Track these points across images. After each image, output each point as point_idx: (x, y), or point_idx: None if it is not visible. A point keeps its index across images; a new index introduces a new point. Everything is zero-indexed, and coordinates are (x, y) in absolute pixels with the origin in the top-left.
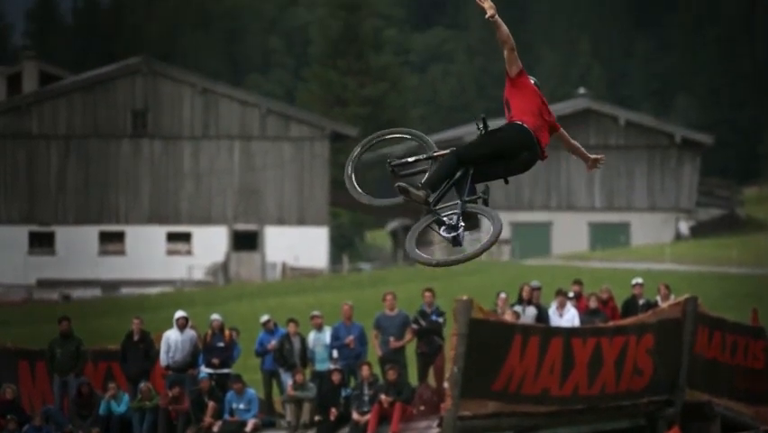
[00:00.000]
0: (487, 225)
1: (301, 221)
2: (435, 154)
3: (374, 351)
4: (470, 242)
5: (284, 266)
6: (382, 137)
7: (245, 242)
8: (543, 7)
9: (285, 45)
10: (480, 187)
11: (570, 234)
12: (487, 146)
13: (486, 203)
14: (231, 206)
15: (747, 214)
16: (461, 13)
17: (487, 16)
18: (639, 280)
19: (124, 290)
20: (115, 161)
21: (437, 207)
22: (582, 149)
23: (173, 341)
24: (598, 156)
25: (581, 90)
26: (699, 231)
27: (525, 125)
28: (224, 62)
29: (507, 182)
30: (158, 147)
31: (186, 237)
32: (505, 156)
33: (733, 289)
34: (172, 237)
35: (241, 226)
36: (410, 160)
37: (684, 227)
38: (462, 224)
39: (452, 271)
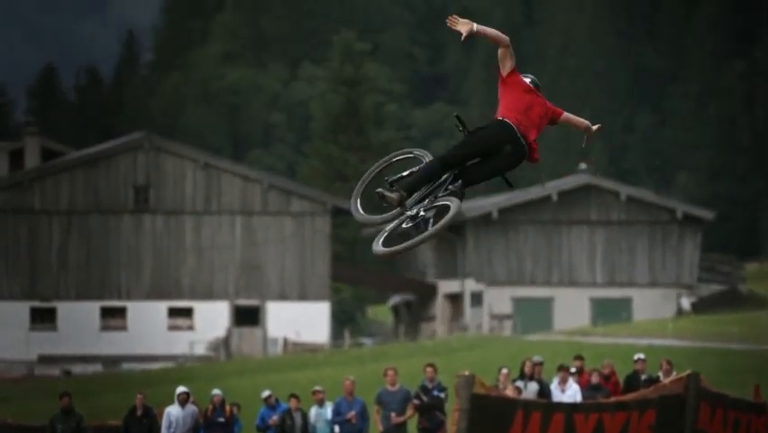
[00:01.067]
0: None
1: (302, 296)
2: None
3: (376, 426)
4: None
5: (285, 341)
6: (389, 161)
7: (247, 317)
8: (543, 81)
9: (286, 120)
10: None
11: (571, 309)
12: (469, 145)
13: (456, 195)
14: (232, 281)
15: (749, 289)
16: (462, 89)
17: (463, 39)
18: (641, 356)
19: (126, 366)
20: (117, 236)
21: (409, 208)
22: (581, 120)
23: (174, 416)
24: (596, 126)
25: (582, 165)
26: (700, 307)
27: (506, 120)
28: (226, 137)
29: (511, 186)
30: (159, 222)
31: (187, 312)
32: (489, 152)
33: (735, 365)
34: (174, 312)
35: (242, 301)
36: (405, 174)
37: (686, 303)
38: (424, 213)
39: (454, 346)
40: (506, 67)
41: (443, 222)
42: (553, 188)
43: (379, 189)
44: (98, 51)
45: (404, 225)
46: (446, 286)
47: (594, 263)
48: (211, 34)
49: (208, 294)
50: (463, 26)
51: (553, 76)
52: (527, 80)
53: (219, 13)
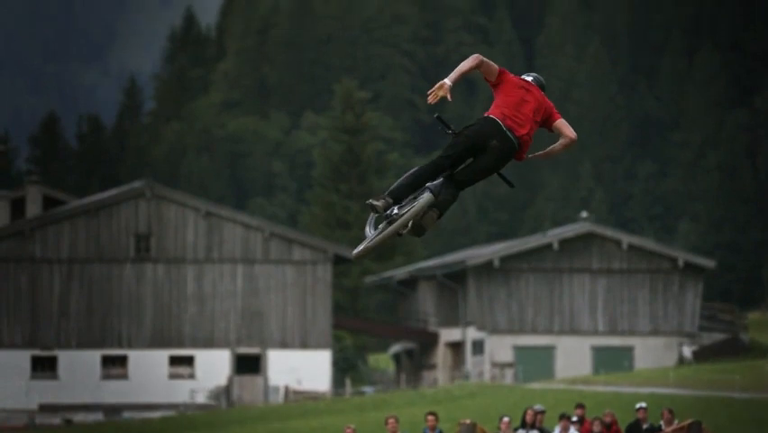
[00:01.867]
0: None
1: (304, 344)
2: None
3: None
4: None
5: (287, 389)
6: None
7: (248, 365)
8: (544, 132)
9: (288, 168)
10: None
11: (573, 357)
12: (456, 145)
13: (430, 190)
14: (233, 329)
15: (751, 338)
16: None
17: (449, 98)
18: (643, 405)
19: (127, 415)
20: (118, 284)
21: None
22: (570, 132)
23: None
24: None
25: (584, 214)
26: (702, 355)
27: (491, 116)
28: (228, 186)
29: (511, 185)
30: (161, 271)
31: (188, 361)
32: (476, 149)
33: (736, 413)
34: (175, 361)
35: (243, 349)
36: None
37: (687, 351)
38: (398, 212)
39: (456, 394)
40: (491, 74)
41: (409, 212)
42: (554, 236)
43: (369, 200)
44: (100, 100)
45: (380, 227)
46: (448, 334)
47: (596, 312)
48: (212, 83)
49: (209, 342)
50: (442, 90)
51: None
52: (529, 78)
53: (220, 61)
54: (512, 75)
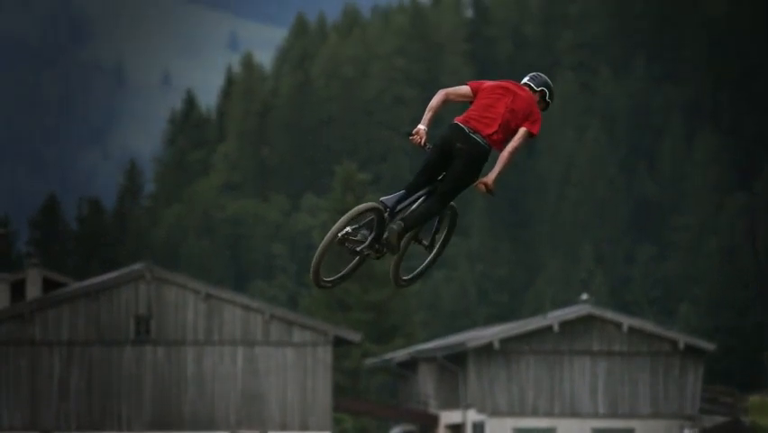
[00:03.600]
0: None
1: (304, 426)
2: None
3: None
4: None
5: None
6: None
7: None
8: (544, 212)
9: (288, 250)
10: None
11: None
12: (427, 157)
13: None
14: (234, 411)
15: (752, 421)
16: (463, 219)
17: (421, 140)
18: None
19: None
20: (118, 367)
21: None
22: (518, 144)
23: None
24: (488, 186)
25: (584, 296)
26: None
27: (454, 121)
28: (228, 268)
29: (491, 193)
30: (161, 353)
31: None
32: (445, 155)
33: None
34: None
35: (244, 431)
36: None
37: None
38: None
39: None
40: (466, 97)
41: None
42: (554, 318)
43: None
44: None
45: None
46: (448, 416)
47: (596, 394)
48: (213, 165)
49: (210, 424)
50: (417, 136)
51: (554, 206)
52: (525, 79)
53: (221, 143)
54: (490, 82)
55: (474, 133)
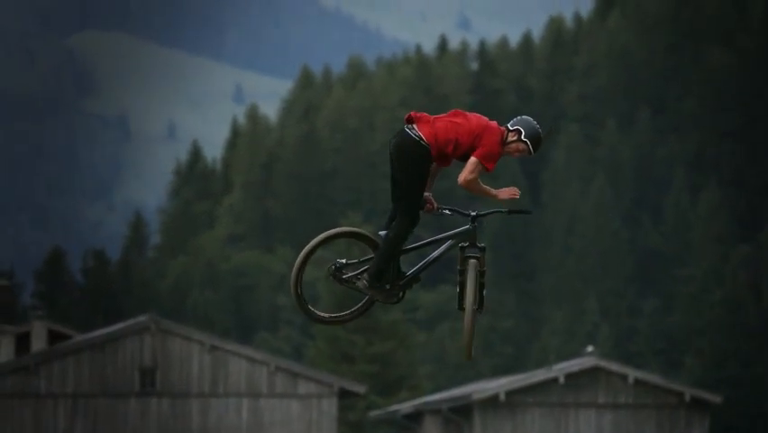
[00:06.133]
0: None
1: None
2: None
3: None
4: None
5: None
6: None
7: None
8: (549, 262)
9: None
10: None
11: None
12: (392, 172)
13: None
14: None
15: None
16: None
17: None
18: None
19: None
20: (123, 419)
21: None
22: (489, 191)
23: None
24: (512, 193)
25: (590, 348)
26: None
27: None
28: (233, 320)
29: (528, 212)
30: (166, 405)
31: None
32: (400, 158)
33: None
34: None
35: None
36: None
37: None
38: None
39: None
40: (442, 156)
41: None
42: (559, 370)
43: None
44: (105, 234)
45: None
46: None
47: None
48: (218, 217)
49: None
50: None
51: (558, 257)
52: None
53: (226, 195)
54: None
55: (410, 128)
